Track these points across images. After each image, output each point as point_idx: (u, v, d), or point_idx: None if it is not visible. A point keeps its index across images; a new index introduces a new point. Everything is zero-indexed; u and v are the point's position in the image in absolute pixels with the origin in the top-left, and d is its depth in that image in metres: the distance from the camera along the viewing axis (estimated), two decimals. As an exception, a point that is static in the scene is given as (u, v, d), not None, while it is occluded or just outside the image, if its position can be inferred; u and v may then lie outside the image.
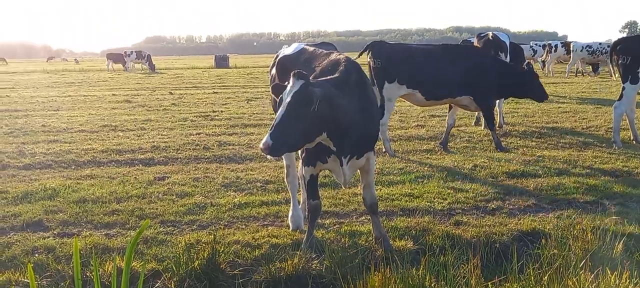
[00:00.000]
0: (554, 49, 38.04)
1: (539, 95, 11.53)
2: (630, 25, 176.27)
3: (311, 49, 7.11)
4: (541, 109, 17.18)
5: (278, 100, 5.39)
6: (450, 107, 11.94)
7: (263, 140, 5.10)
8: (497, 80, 11.23)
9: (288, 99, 5.20)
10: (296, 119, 5.18)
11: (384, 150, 11.21)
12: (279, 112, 5.22)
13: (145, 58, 52.17)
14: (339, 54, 6.45)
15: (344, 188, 7.55)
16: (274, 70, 7.09)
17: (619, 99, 11.69)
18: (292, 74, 5.29)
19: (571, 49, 35.19)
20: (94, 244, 6.42)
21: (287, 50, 7.14)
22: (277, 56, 7.34)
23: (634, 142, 11.93)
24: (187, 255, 5.92)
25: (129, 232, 6.91)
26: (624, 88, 11.59)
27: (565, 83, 29.11)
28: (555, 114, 16.51)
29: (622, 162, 10.03)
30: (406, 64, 11.09)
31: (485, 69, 11.23)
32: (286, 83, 5.37)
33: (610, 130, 13.18)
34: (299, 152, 6.30)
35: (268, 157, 5.21)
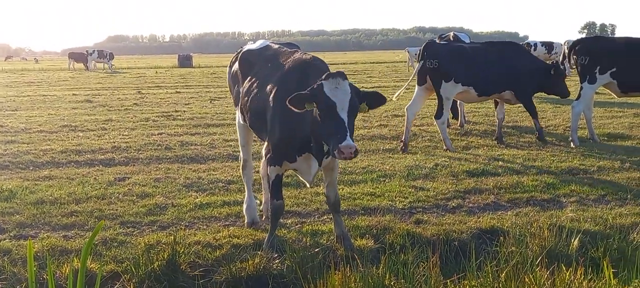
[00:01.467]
0: (532, 48, 38.57)
1: (564, 91, 12.34)
2: (589, 26, 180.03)
3: (276, 46, 7.11)
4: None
5: (325, 105, 5.18)
6: (497, 103, 12.48)
7: (351, 144, 5.01)
8: (536, 77, 11.92)
9: (347, 99, 5.18)
10: (354, 117, 5.27)
11: (444, 147, 11.55)
12: (340, 113, 5.14)
13: (107, 57, 51.49)
14: (304, 53, 6.45)
15: (308, 187, 7.56)
16: (237, 65, 7.03)
17: (577, 99, 11.95)
18: (336, 75, 5.24)
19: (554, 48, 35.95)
20: (51, 246, 6.32)
21: (252, 46, 7.12)
22: (240, 51, 7.32)
23: (591, 140, 12.18)
24: (147, 256, 5.88)
25: (87, 233, 6.81)
26: (581, 88, 11.84)
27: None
28: (515, 113, 16.69)
29: (578, 160, 10.22)
30: (461, 63, 11.60)
31: (526, 66, 11.95)
32: (314, 86, 5.28)
33: (568, 129, 13.43)
34: (264, 151, 6.28)
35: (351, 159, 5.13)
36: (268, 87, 6.16)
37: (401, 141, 11.72)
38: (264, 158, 6.29)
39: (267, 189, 7.46)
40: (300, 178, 6.50)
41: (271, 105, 5.98)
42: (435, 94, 11.80)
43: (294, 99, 5.32)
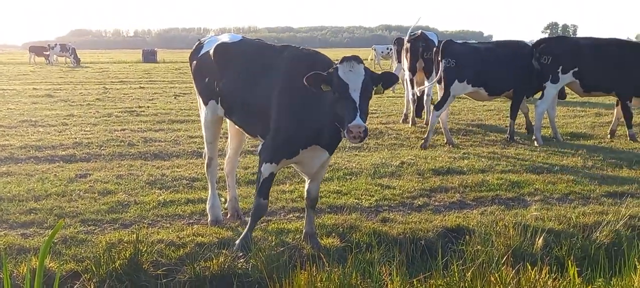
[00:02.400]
0: None
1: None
2: (552, 26, 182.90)
3: (254, 39, 7.04)
4: (467, 107, 17.54)
5: (340, 87, 5.23)
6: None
7: (360, 124, 5.05)
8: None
9: (360, 80, 5.22)
10: (367, 100, 5.31)
11: (445, 141, 12.03)
12: (352, 94, 5.19)
13: (70, 51, 50.51)
14: (301, 47, 6.34)
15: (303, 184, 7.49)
16: (211, 57, 6.75)
17: (541, 98, 12.08)
18: (351, 59, 5.30)
19: None
20: (8, 245, 6.15)
21: (224, 39, 6.94)
22: (202, 43, 7.15)
23: (554, 139, 12.33)
24: (108, 255, 5.75)
25: (47, 231, 6.64)
26: (545, 87, 11.97)
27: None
28: (481, 111, 16.86)
29: (542, 159, 10.34)
30: (476, 64, 11.88)
31: (530, 65, 12.17)
32: (332, 69, 5.34)
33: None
34: (261, 147, 6.15)
35: (360, 142, 5.15)
36: (268, 81, 6.06)
37: (447, 143, 12.00)
38: (260, 155, 6.15)
39: (232, 187, 7.39)
40: (300, 172, 6.40)
41: (277, 99, 5.89)
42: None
43: (312, 77, 5.35)
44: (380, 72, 5.68)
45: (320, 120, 5.63)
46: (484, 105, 18.37)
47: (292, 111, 5.80)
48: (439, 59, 11.98)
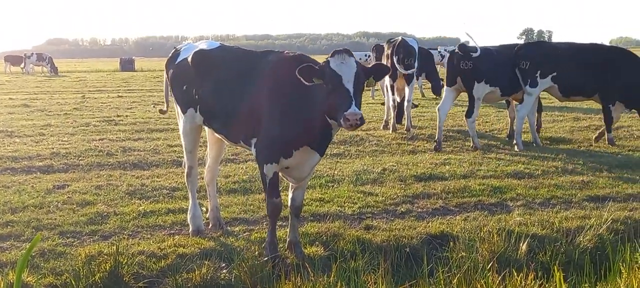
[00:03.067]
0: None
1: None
2: (527, 32, 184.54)
3: (234, 46, 6.96)
4: (447, 114, 17.52)
5: (336, 78, 5.28)
6: (509, 103, 13.07)
7: (356, 111, 5.10)
8: None
9: (352, 72, 5.27)
10: (360, 91, 5.38)
11: (472, 146, 12.09)
12: (346, 84, 5.25)
13: (47, 60, 49.95)
14: (285, 52, 6.26)
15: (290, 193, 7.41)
16: (188, 65, 6.65)
17: (521, 103, 12.13)
18: (342, 52, 5.37)
19: None
20: (-16, 259, 5.98)
21: (202, 46, 6.84)
22: (178, 51, 7.05)
23: (534, 144, 12.37)
24: (88, 268, 5.63)
25: (24, 244, 6.48)
26: (525, 92, 12.01)
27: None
28: (460, 117, 16.79)
29: (523, 164, 10.34)
30: (492, 65, 12.04)
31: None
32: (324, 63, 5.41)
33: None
34: (256, 149, 6.04)
35: (356, 129, 5.27)
36: (253, 85, 6.03)
37: (435, 141, 12.25)
38: (257, 157, 6.07)
39: (213, 196, 7.28)
40: (288, 177, 6.26)
41: (268, 100, 5.87)
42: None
43: (304, 69, 5.38)
44: (373, 64, 5.70)
45: (311, 118, 5.61)
46: (463, 111, 18.36)
47: (283, 111, 5.79)
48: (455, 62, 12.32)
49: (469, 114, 12.18)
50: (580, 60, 11.90)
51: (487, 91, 12.18)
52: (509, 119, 13.34)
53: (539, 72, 11.80)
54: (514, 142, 12.12)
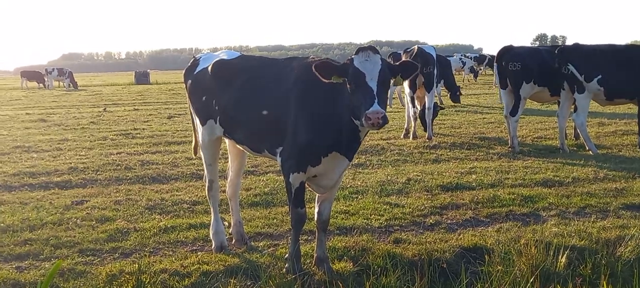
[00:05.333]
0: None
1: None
2: (541, 37, 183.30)
3: (255, 56, 6.73)
4: (467, 121, 17.30)
5: (354, 76, 5.08)
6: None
7: (379, 109, 4.85)
8: None
9: (377, 69, 5.05)
10: (386, 89, 5.15)
11: (509, 145, 12.67)
12: (369, 82, 5.01)
13: (67, 75, 50.20)
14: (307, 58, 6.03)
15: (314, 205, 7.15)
16: (208, 75, 6.42)
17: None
18: (366, 49, 5.16)
19: None
20: (2, 279, 5.76)
21: (223, 57, 6.61)
22: (197, 60, 6.83)
23: (561, 150, 12.09)
24: (110, 288, 5.38)
25: (43, 263, 6.26)
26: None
27: (487, 94, 29.65)
28: (481, 124, 16.62)
29: (552, 171, 10.02)
30: (538, 65, 12.42)
31: None
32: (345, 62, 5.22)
33: (536, 139, 13.43)
34: (281, 158, 5.79)
35: (379, 128, 4.99)
36: (279, 92, 5.79)
37: (510, 147, 12.50)
38: (282, 166, 5.82)
39: (236, 210, 7.03)
40: (317, 187, 5.96)
41: (294, 106, 5.62)
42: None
43: (321, 65, 5.22)
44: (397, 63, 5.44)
45: (339, 122, 5.38)
46: (483, 118, 18.15)
47: (310, 117, 5.53)
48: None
49: (513, 112, 12.49)
50: (621, 62, 11.63)
51: (535, 91, 12.49)
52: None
53: (583, 76, 11.61)
54: (510, 145, 12.56)
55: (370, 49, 5.17)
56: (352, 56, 5.19)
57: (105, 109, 21.24)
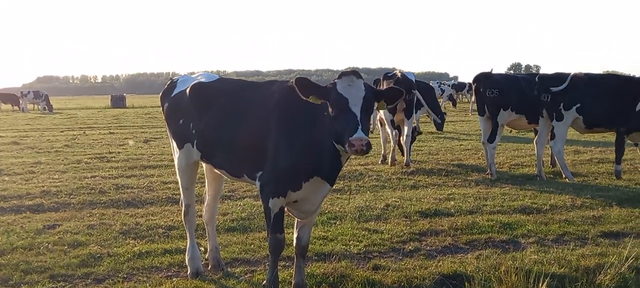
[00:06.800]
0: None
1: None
2: (515, 66, 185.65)
3: (234, 79, 6.62)
4: (444, 147, 17.35)
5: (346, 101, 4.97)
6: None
7: (362, 136, 4.75)
8: None
9: (360, 95, 4.97)
10: (368, 115, 5.09)
11: (487, 172, 12.60)
12: (353, 108, 4.93)
13: (43, 98, 49.69)
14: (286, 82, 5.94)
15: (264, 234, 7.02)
16: (186, 98, 6.31)
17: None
18: (350, 74, 5.07)
19: None
20: (-31, 306, 5.56)
21: (201, 79, 6.50)
22: (174, 82, 6.72)
23: (538, 177, 12.13)
24: (81, 316, 5.20)
25: (12, 289, 6.06)
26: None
27: (464, 121, 29.83)
28: (458, 151, 16.67)
29: (530, 199, 10.03)
30: (516, 93, 12.53)
31: None
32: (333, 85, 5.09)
33: (513, 166, 13.49)
34: (261, 182, 5.66)
35: (362, 155, 4.83)
36: (259, 116, 5.68)
37: (488, 173, 12.44)
38: (261, 191, 5.69)
39: (212, 236, 6.90)
40: (297, 212, 5.85)
41: (274, 129, 5.50)
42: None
43: (301, 80, 5.13)
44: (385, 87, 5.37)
45: (320, 146, 5.27)
46: (460, 145, 18.21)
47: (291, 140, 5.41)
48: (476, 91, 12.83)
49: (490, 139, 12.52)
50: (603, 91, 11.75)
51: (512, 118, 12.57)
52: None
53: (562, 104, 11.69)
54: (488, 172, 12.51)
55: (354, 73, 5.08)
56: (335, 80, 5.10)
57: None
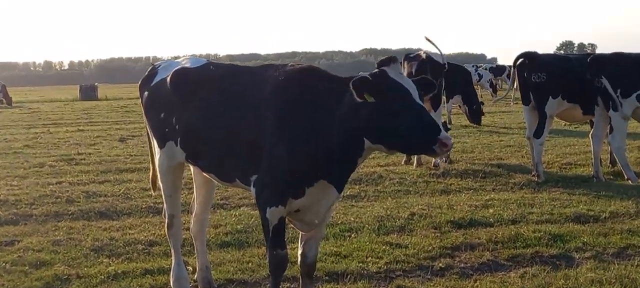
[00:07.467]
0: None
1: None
2: (566, 45, 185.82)
3: (225, 64, 6.65)
4: (481, 144, 17.37)
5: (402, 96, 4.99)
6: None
7: (447, 135, 4.88)
8: None
9: (414, 85, 5.06)
10: None
11: (533, 173, 12.59)
12: (418, 104, 4.99)
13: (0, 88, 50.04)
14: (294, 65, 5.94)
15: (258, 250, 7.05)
16: (167, 86, 6.32)
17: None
18: (390, 61, 5.14)
19: None
20: None
21: (186, 64, 6.52)
22: (155, 68, 6.75)
23: (595, 179, 12.15)
24: (45, 350, 5.25)
25: (-37, 318, 6.12)
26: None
27: (504, 112, 29.83)
28: (498, 148, 16.70)
29: (585, 204, 10.07)
30: (568, 78, 12.43)
31: None
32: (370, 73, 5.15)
33: (565, 166, 13.46)
34: (256, 188, 5.67)
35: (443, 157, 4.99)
36: (254, 108, 5.69)
37: (534, 174, 12.45)
38: (258, 198, 5.70)
39: (202, 252, 6.94)
40: (300, 223, 5.87)
41: (273, 125, 5.50)
42: None
43: (359, 82, 5.04)
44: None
45: (327, 143, 5.29)
46: (500, 140, 18.24)
47: (293, 138, 5.41)
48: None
49: (536, 133, 12.45)
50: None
51: (563, 108, 12.53)
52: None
53: (619, 91, 11.67)
54: (534, 172, 12.51)
55: (392, 60, 5.16)
56: (382, 67, 5.12)
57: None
